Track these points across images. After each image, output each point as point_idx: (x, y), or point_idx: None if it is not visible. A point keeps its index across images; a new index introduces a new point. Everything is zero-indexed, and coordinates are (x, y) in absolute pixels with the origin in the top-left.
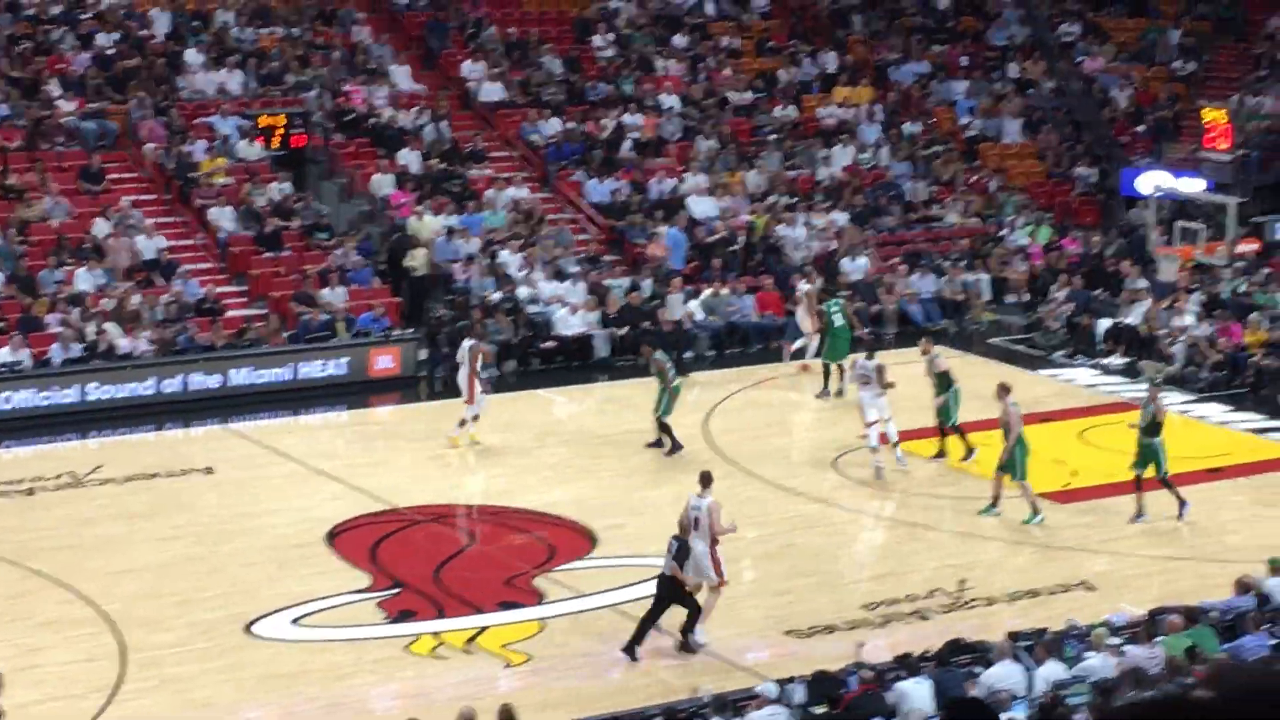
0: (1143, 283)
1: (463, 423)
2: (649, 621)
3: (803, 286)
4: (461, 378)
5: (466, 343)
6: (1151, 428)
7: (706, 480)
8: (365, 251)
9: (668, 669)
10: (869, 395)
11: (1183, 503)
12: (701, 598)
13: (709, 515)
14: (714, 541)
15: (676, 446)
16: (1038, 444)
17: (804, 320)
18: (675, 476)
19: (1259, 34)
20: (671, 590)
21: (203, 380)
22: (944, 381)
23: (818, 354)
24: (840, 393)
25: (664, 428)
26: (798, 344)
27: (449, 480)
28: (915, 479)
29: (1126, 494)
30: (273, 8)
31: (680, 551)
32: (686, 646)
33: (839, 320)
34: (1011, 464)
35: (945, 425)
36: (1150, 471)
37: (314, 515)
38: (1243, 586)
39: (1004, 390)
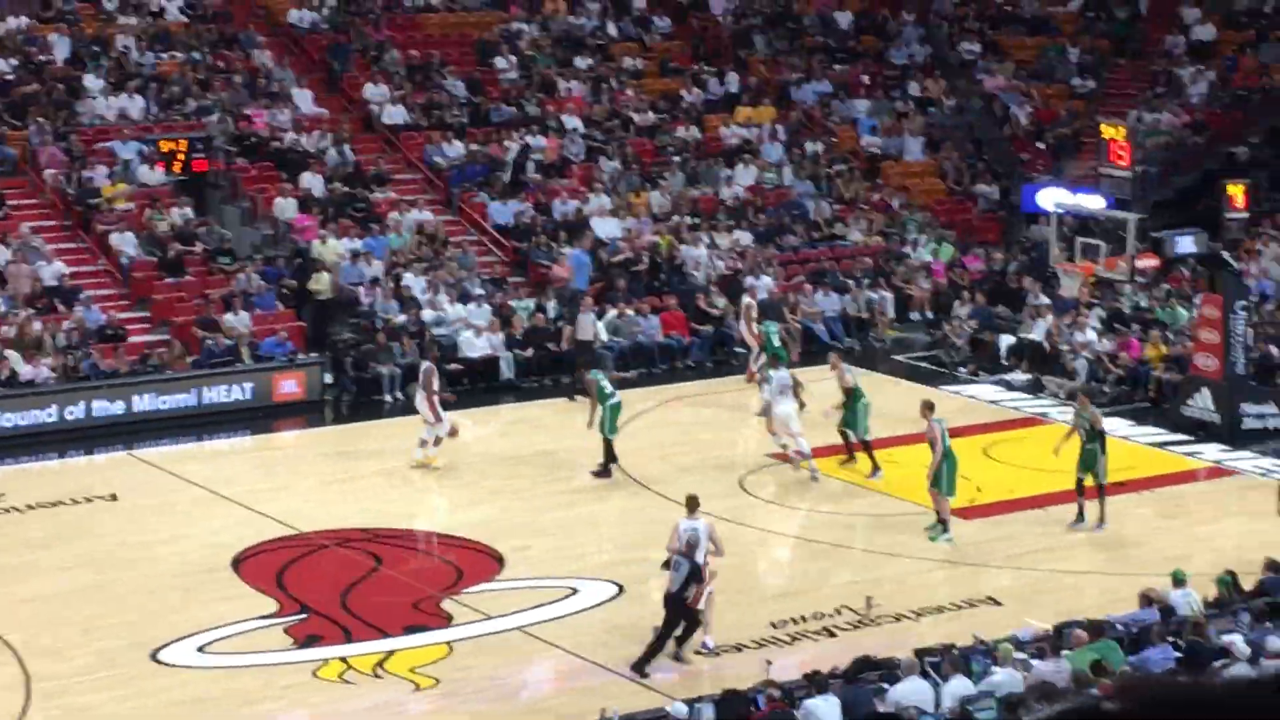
0: (1044, 299)
1: (433, 441)
2: (661, 640)
3: (744, 300)
4: (420, 401)
5: (423, 365)
6: (1093, 434)
7: (694, 504)
8: (272, 276)
9: (576, 691)
10: (791, 406)
11: (1082, 517)
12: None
13: (706, 536)
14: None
15: (606, 471)
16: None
17: (746, 334)
18: (582, 498)
19: (1156, 51)
20: (679, 609)
21: (106, 407)
22: (853, 395)
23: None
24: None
25: (607, 444)
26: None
27: (355, 504)
28: (822, 496)
29: (1028, 509)
30: (173, 32)
31: (694, 572)
32: (679, 657)
33: (775, 341)
34: (938, 478)
35: (852, 438)
36: (1090, 479)
37: (219, 541)
38: (1147, 599)
39: (928, 407)
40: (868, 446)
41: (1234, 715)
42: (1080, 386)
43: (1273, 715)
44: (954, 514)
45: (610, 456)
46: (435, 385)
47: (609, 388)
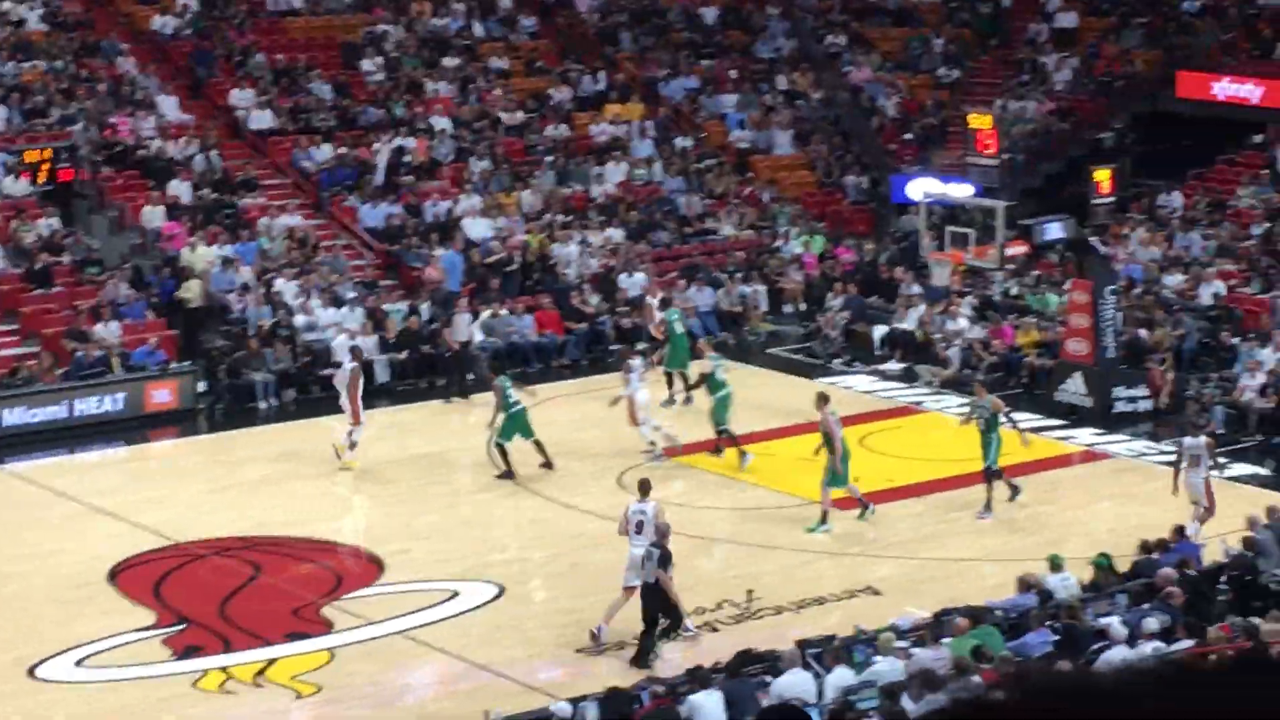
0: (916, 288)
1: (350, 446)
2: (649, 634)
3: (649, 300)
4: (344, 401)
5: (350, 365)
6: (993, 422)
7: (645, 488)
8: (144, 284)
9: (459, 694)
10: (649, 395)
11: (989, 506)
12: (626, 597)
13: (657, 518)
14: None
15: (508, 474)
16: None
17: (655, 330)
18: (460, 500)
19: (1021, 40)
20: (655, 597)
21: None
22: (711, 385)
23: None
24: (689, 400)
25: (502, 450)
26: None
27: (232, 513)
28: (701, 491)
29: (906, 499)
30: (34, 42)
31: (664, 558)
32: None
33: (679, 329)
34: (835, 474)
35: (718, 430)
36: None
37: (95, 554)
38: (1025, 585)
39: (823, 400)
40: (730, 436)
41: (1116, 705)
42: (976, 377)
43: (1153, 704)
44: (834, 505)
45: (507, 462)
46: (360, 386)
47: (513, 395)
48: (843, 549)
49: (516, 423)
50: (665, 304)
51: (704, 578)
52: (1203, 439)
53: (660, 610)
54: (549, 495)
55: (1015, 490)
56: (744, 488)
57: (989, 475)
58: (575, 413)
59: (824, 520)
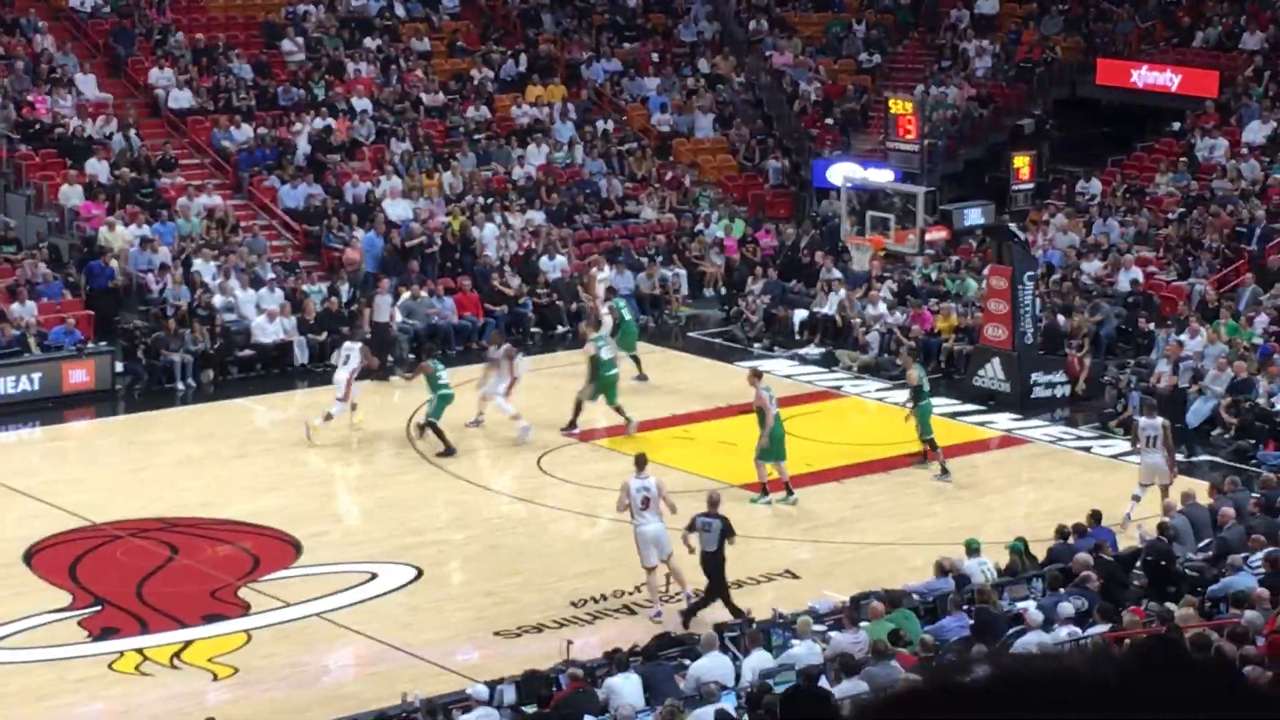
0: (836, 273)
1: (325, 417)
2: (725, 600)
3: (594, 273)
4: (341, 376)
5: (355, 345)
6: (918, 393)
7: (642, 462)
8: (61, 264)
9: (377, 676)
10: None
11: (945, 470)
12: (660, 573)
13: (659, 492)
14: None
15: (449, 450)
16: (737, 436)
17: (598, 310)
18: (379, 482)
19: (942, 25)
20: (718, 566)
21: None
22: (597, 367)
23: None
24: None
25: (435, 429)
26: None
27: (149, 494)
28: (619, 474)
29: (826, 482)
30: None
31: (726, 528)
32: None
33: (627, 315)
34: (769, 449)
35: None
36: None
37: (10, 535)
38: (941, 569)
39: (755, 376)
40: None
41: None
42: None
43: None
44: (748, 489)
45: (443, 439)
46: (358, 365)
47: (443, 378)
48: (760, 532)
49: (443, 405)
50: (610, 294)
51: (623, 561)
52: (1159, 419)
53: (714, 579)
54: (468, 478)
55: (944, 470)
56: (662, 471)
57: (929, 445)
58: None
59: (765, 492)
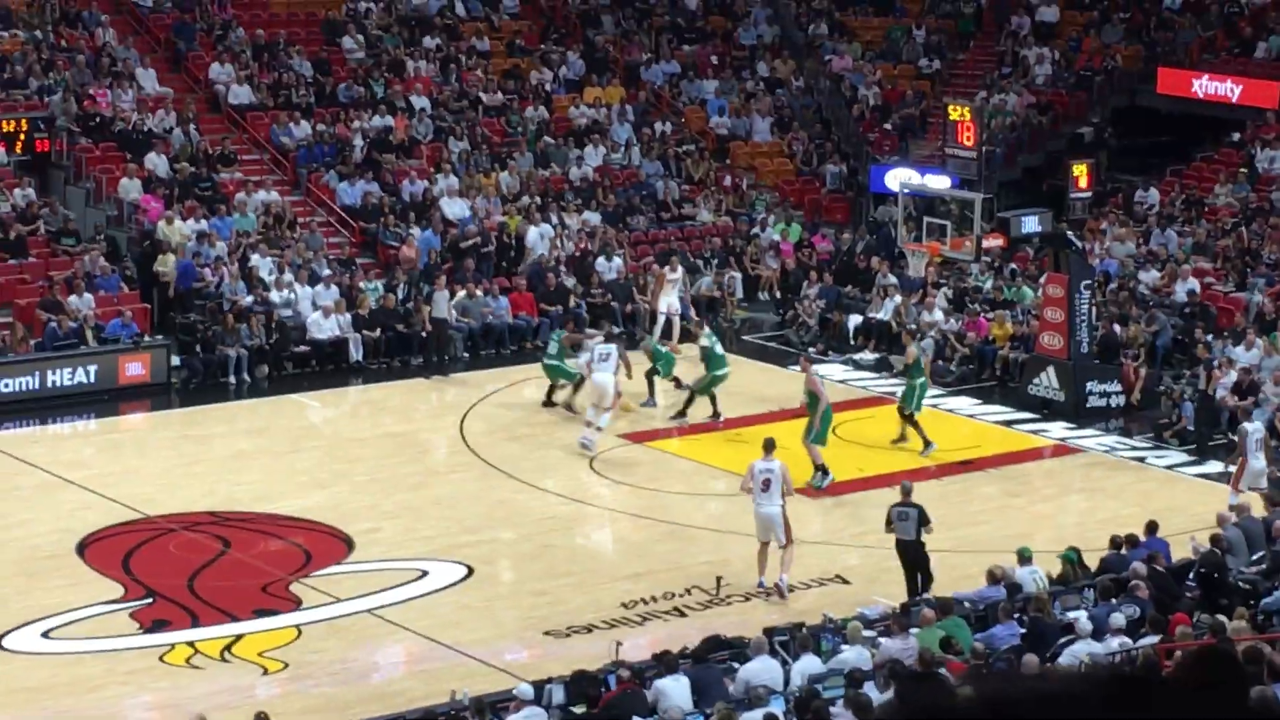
0: (892, 279)
1: (598, 429)
2: (925, 587)
3: (665, 272)
4: (604, 379)
5: (609, 345)
6: (914, 369)
7: (770, 446)
8: (119, 257)
9: (426, 673)
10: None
11: (927, 443)
12: (775, 558)
13: (782, 476)
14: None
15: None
16: (789, 440)
17: (660, 301)
18: (431, 480)
19: (1002, 32)
20: (920, 553)
21: None
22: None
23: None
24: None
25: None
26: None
27: (202, 487)
28: (674, 477)
29: (876, 489)
30: (14, 10)
31: (923, 516)
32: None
33: (719, 349)
34: (816, 431)
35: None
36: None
37: (64, 526)
38: (993, 577)
39: (809, 361)
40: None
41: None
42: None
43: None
44: (800, 493)
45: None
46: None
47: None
48: (811, 537)
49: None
50: (700, 326)
51: (673, 563)
52: (1259, 422)
53: (922, 566)
54: (520, 477)
55: (927, 443)
56: (714, 474)
57: (908, 419)
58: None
59: (824, 473)
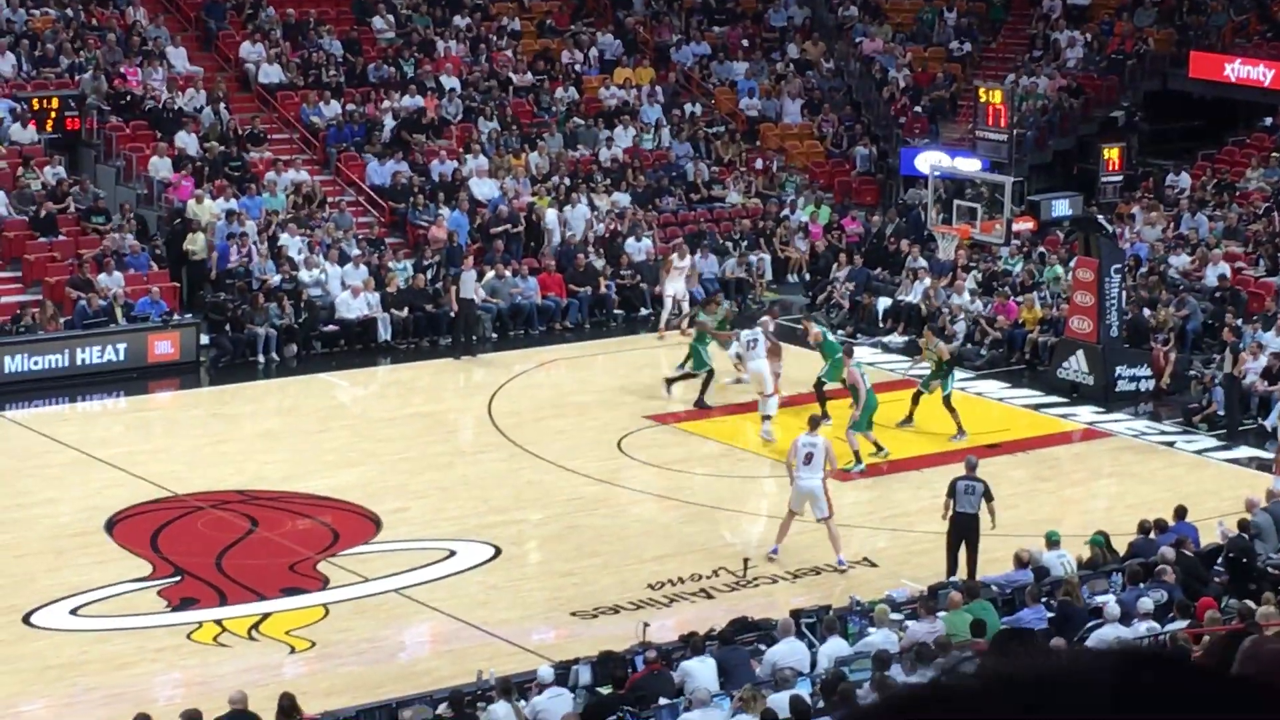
0: (922, 261)
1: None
2: (972, 567)
3: (672, 259)
4: (760, 366)
5: (754, 330)
6: (940, 366)
7: (815, 422)
8: (148, 235)
9: (452, 653)
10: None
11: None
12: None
13: (825, 452)
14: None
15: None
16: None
17: (667, 286)
18: (459, 460)
19: (1034, 15)
20: (974, 529)
21: None
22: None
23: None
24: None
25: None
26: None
27: (231, 466)
28: (701, 458)
29: (909, 470)
30: None
31: (987, 491)
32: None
33: (830, 336)
34: (860, 421)
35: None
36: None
37: (93, 504)
38: (1021, 561)
39: (848, 354)
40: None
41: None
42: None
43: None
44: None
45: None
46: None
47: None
48: (839, 520)
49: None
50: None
51: (701, 545)
52: None
53: (974, 543)
54: (548, 457)
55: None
56: (742, 456)
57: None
58: (576, 376)
59: (858, 460)
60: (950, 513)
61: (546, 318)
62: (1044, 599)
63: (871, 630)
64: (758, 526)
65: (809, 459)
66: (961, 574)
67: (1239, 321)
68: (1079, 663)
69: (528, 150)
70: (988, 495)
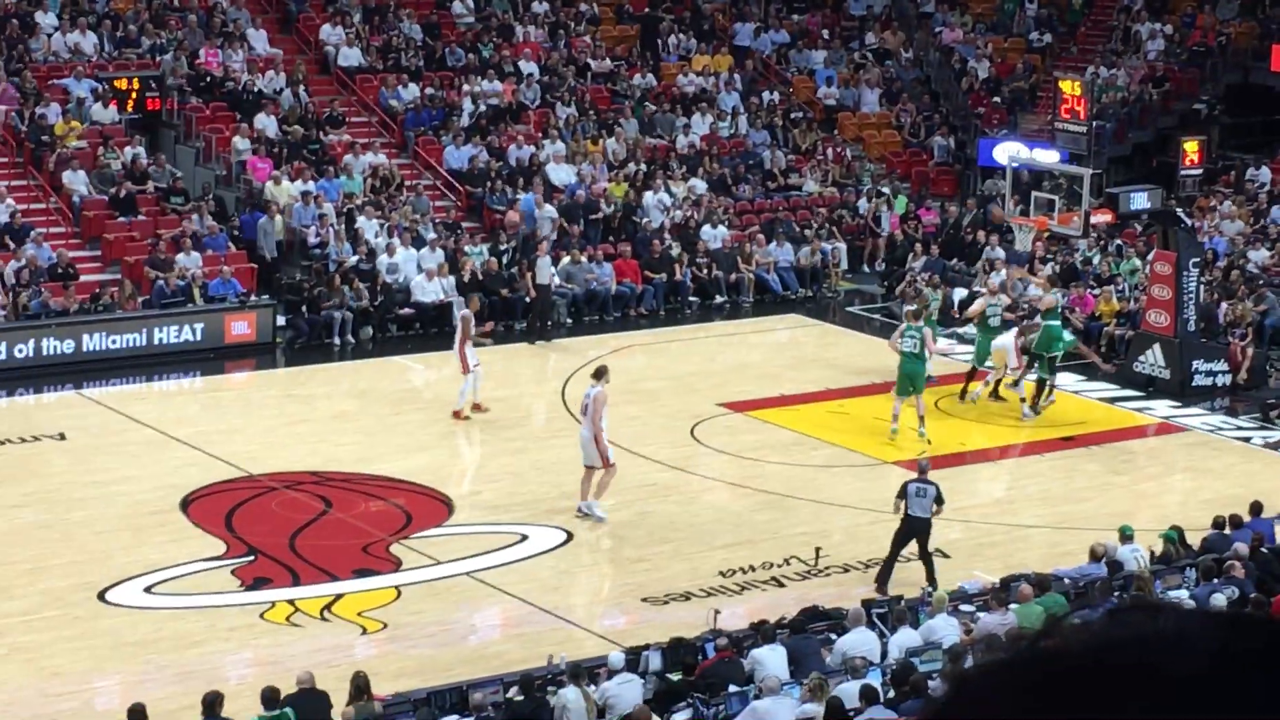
0: (999, 252)
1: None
2: (930, 573)
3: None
4: (1005, 341)
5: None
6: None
7: (599, 373)
8: (226, 216)
9: (523, 637)
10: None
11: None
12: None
13: (595, 403)
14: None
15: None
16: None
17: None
18: (532, 445)
19: (1115, 7)
20: (926, 530)
21: (56, 345)
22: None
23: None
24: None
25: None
26: None
27: (305, 447)
28: (774, 446)
29: (981, 462)
30: None
31: (939, 496)
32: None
33: (994, 321)
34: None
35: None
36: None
37: (168, 482)
38: (1095, 554)
39: (914, 316)
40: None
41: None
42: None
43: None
44: (902, 466)
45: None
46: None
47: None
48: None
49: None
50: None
51: (773, 533)
52: None
53: (925, 545)
54: (620, 444)
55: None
56: (816, 445)
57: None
58: (649, 362)
59: (921, 423)
60: (902, 514)
61: (621, 304)
62: (1116, 593)
63: (926, 618)
64: (829, 515)
65: (585, 410)
66: (900, 574)
67: None
68: (1185, 623)
69: (605, 136)
70: (939, 499)
